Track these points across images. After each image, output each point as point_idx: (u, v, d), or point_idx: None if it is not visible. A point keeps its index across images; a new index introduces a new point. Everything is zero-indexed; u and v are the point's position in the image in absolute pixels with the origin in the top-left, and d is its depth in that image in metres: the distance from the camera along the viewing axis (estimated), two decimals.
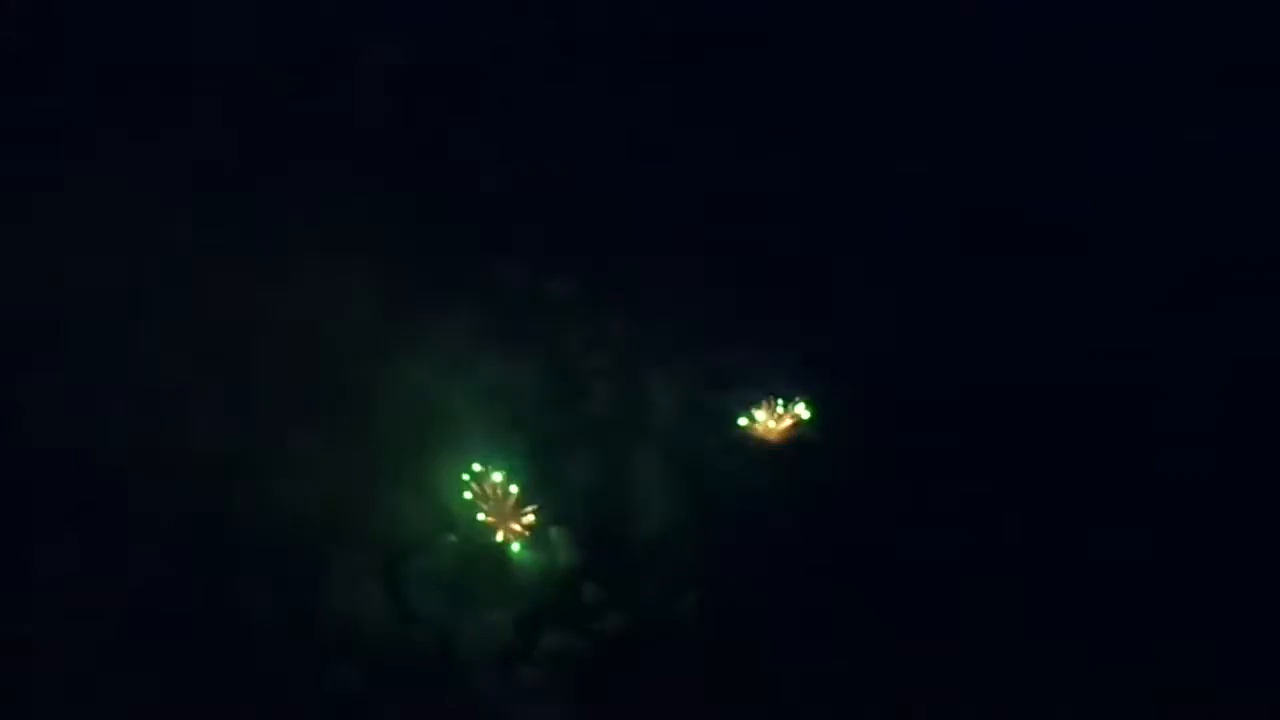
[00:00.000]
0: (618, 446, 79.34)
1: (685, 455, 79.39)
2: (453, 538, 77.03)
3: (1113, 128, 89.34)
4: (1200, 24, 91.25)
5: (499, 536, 77.26)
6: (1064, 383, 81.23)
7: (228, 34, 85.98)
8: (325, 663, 73.34)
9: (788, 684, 73.86)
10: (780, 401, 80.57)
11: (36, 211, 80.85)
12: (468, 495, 77.44)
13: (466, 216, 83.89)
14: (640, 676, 73.94)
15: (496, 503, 77.44)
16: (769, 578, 76.50)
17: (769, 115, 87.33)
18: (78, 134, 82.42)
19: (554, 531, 77.37)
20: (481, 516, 77.35)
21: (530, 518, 77.24)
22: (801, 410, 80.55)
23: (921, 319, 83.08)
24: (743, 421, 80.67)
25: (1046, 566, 76.06)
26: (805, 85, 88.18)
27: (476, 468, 77.54)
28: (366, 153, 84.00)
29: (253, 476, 76.44)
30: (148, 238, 79.90)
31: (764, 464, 79.87)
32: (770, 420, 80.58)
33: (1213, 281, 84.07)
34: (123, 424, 76.83)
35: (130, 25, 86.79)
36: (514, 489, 77.39)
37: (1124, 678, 73.02)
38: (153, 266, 79.78)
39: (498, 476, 77.42)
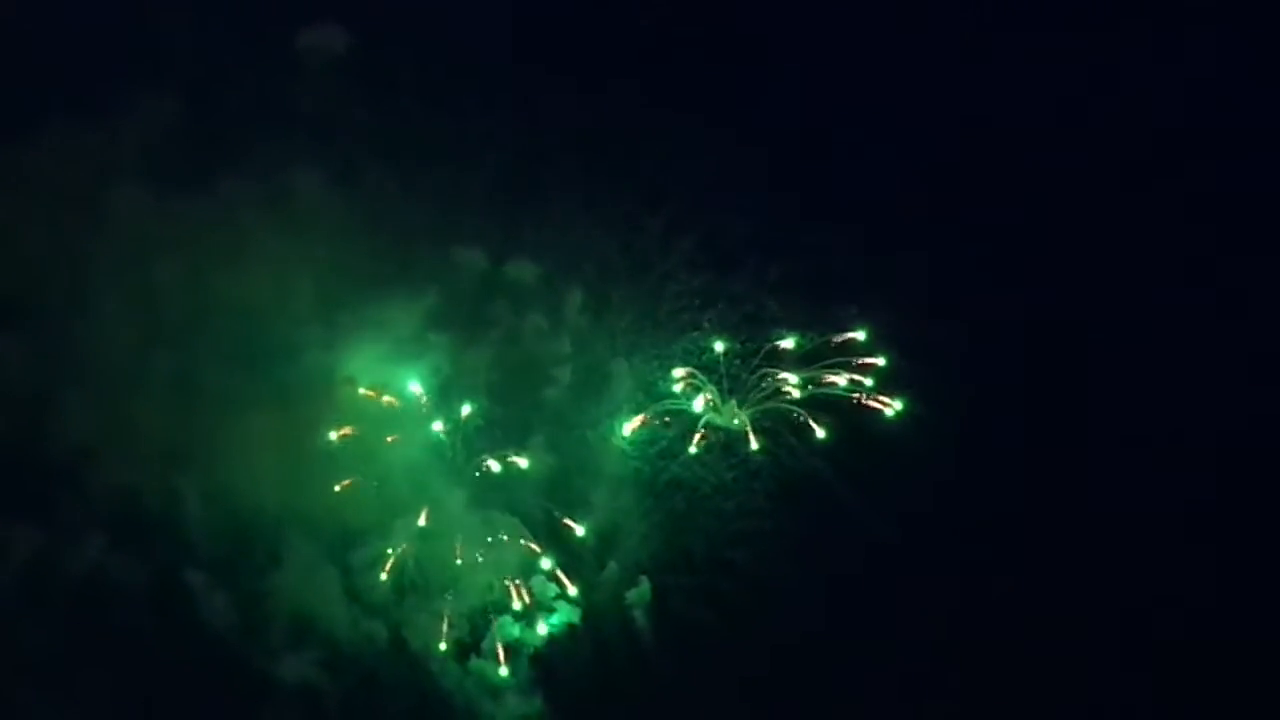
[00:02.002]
0: (575, 433, 78.73)
1: (641, 444, 78.74)
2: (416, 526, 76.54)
3: None
4: None
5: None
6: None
7: (168, 17, 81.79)
8: (279, 654, 73.89)
9: (742, 675, 74.87)
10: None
11: None
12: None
13: (421, 199, 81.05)
14: (592, 669, 75.01)
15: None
16: (724, 567, 76.64)
17: (745, 107, 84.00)
18: (17, 119, 79.03)
19: (507, 521, 76.94)
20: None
21: None
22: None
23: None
24: (700, 410, 79.56)
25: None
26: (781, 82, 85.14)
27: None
28: (313, 137, 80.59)
29: (202, 464, 75.65)
30: (93, 225, 77.76)
31: (721, 454, 79.04)
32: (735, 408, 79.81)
33: None
34: (69, 411, 75.82)
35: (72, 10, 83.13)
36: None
37: None
38: (99, 254, 77.68)
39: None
